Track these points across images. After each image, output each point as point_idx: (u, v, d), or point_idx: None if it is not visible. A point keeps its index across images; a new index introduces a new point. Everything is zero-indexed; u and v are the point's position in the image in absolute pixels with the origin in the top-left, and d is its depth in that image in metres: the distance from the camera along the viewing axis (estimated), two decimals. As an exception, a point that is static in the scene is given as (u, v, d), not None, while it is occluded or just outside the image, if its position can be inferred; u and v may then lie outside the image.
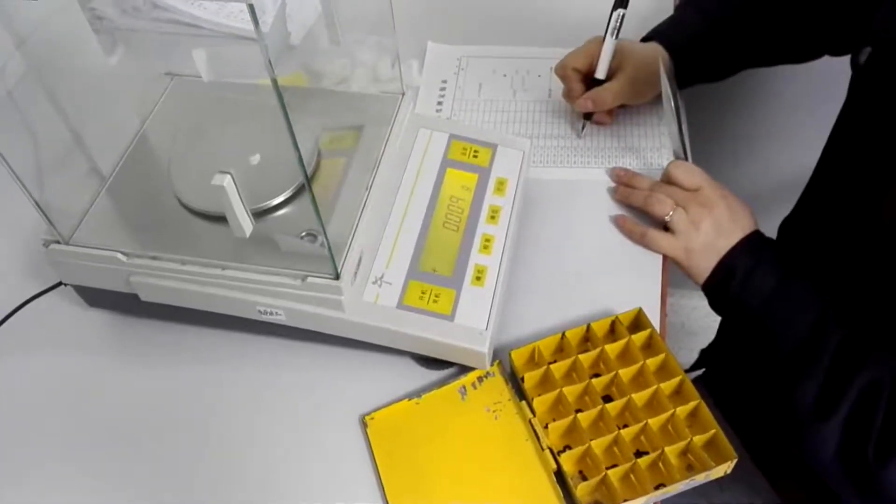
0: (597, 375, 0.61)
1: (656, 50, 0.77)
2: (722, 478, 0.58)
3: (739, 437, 0.79)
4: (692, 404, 0.59)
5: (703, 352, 0.92)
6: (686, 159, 0.75)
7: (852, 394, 0.58)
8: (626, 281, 0.69)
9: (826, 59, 0.82)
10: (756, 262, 0.66)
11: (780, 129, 1.22)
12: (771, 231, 0.73)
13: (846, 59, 0.67)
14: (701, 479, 0.57)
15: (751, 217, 0.70)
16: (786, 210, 0.83)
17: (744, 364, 0.76)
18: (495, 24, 0.94)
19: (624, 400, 0.59)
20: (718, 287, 0.68)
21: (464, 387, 0.62)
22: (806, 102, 1.15)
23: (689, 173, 0.71)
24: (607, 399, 0.60)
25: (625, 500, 0.55)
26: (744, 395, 0.79)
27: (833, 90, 0.74)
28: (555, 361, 0.62)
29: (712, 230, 0.68)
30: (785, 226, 0.82)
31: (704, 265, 0.68)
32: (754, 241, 0.68)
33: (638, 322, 0.65)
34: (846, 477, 0.59)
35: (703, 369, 0.90)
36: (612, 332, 0.65)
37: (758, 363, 0.67)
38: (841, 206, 0.69)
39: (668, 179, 0.73)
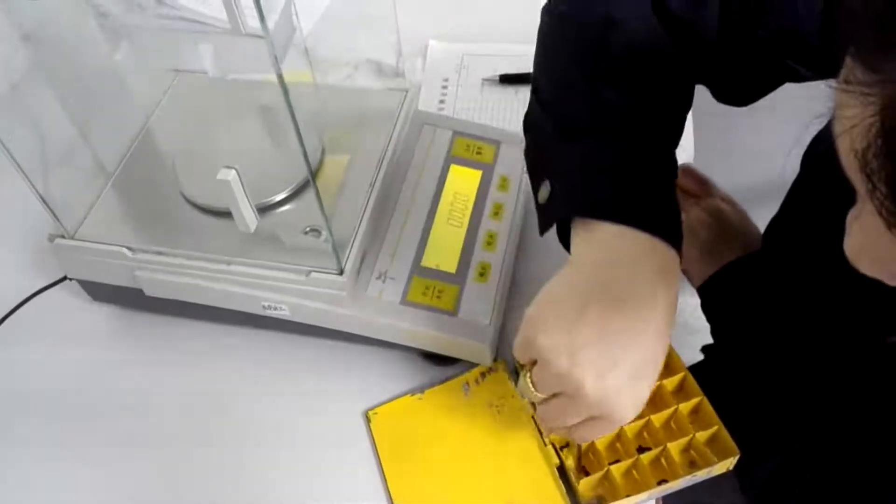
0: (599, 371, 0.61)
1: None
2: (724, 474, 0.58)
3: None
4: (695, 400, 0.59)
5: (705, 349, 0.91)
6: None
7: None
8: (629, 278, 0.69)
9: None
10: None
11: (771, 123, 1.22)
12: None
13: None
14: (703, 475, 0.57)
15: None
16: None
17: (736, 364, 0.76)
18: (497, 22, 0.94)
19: (626, 396, 0.60)
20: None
21: (467, 382, 0.63)
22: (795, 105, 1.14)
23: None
24: (610, 395, 0.61)
25: (627, 496, 0.55)
26: (742, 392, 0.79)
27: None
28: (558, 357, 0.62)
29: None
30: (771, 228, 0.81)
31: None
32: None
33: (641, 319, 0.65)
34: None
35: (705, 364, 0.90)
36: (615, 329, 0.65)
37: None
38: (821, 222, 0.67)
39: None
